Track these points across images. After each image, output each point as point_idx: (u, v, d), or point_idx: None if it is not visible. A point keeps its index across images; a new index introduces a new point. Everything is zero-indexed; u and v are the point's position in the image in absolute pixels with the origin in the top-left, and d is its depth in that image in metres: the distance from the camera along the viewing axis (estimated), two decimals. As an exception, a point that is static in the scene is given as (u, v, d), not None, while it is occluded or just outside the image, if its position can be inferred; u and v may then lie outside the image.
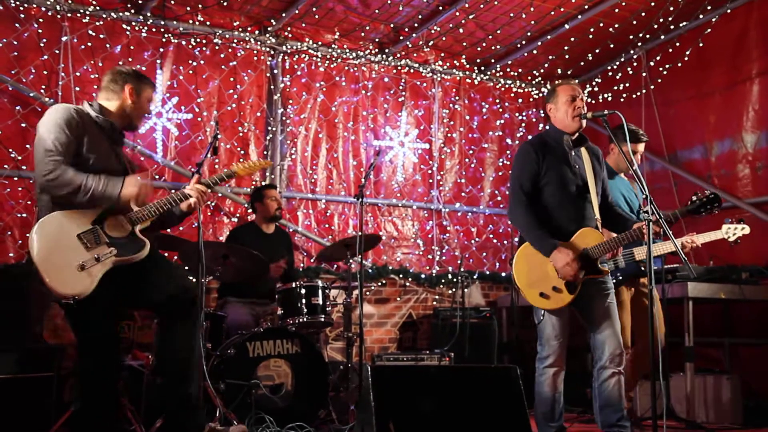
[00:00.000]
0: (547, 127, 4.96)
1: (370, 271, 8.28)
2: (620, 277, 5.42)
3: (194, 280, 7.02)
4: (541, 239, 4.58)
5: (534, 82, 9.60)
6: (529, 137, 8.26)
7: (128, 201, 4.09)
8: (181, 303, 4.34)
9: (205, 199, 4.51)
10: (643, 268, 5.44)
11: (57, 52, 7.05)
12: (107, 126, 4.27)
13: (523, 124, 9.57)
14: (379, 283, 8.43)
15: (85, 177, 3.97)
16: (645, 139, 5.78)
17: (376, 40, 8.64)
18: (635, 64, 8.64)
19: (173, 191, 4.42)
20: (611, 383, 4.58)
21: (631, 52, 8.61)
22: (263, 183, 7.75)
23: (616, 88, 8.79)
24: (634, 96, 8.57)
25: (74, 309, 3.97)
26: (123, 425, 5.42)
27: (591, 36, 8.26)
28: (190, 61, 7.72)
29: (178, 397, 4.36)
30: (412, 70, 8.95)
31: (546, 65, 9.17)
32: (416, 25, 8.29)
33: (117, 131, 4.35)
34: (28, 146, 6.71)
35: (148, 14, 7.43)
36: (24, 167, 6.76)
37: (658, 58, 8.33)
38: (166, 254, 7.26)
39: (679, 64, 8.05)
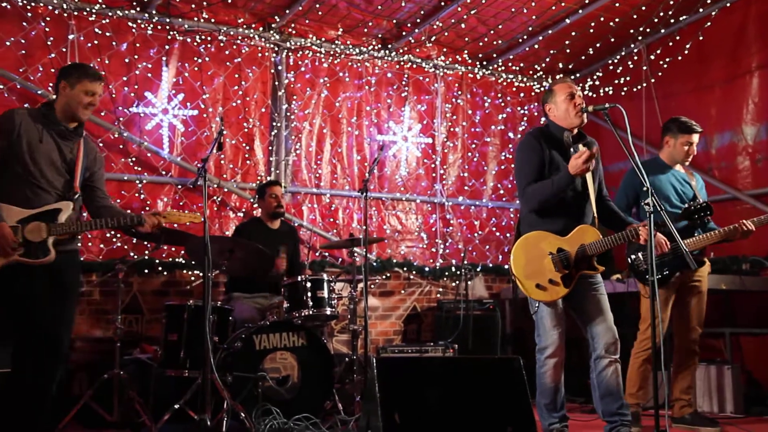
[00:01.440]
0: (545, 121, 5.01)
1: (374, 264, 8.34)
2: (666, 272, 5.46)
3: (201, 274, 7.10)
4: (557, 180, 4.61)
5: (536, 76, 9.64)
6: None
7: None
8: (39, 348, 4.35)
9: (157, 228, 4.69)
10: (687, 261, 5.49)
11: (64, 50, 7.11)
12: (53, 122, 4.47)
13: (525, 118, 9.62)
14: (384, 276, 8.50)
15: None
16: (699, 130, 5.78)
17: (379, 35, 8.69)
18: (636, 57, 8.68)
19: (123, 216, 4.61)
20: (609, 372, 4.62)
21: (632, 46, 8.66)
22: (269, 179, 7.82)
23: (617, 81, 8.84)
24: (634, 89, 8.61)
25: None
26: (132, 417, 5.52)
27: (592, 30, 8.31)
28: (196, 58, 7.78)
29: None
30: (414, 66, 9.01)
31: (547, 59, 9.22)
32: (418, 20, 8.34)
33: (67, 128, 4.52)
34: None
35: (154, 12, 7.50)
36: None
37: (658, 51, 8.37)
38: (173, 248, 7.38)
39: (680, 58, 8.10)
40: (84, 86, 4.50)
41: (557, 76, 9.52)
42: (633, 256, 5.58)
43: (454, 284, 8.86)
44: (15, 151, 4.32)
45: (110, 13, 7.31)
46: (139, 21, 7.47)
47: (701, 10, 7.84)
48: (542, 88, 9.66)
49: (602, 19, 8.09)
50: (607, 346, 4.63)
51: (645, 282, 5.56)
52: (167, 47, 7.65)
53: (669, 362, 5.77)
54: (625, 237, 4.67)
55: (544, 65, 9.39)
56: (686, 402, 5.72)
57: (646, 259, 5.49)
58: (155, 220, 4.62)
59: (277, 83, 8.21)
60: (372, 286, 8.38)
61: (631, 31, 8.34)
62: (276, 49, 8.24)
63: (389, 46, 8.75)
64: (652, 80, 8.43)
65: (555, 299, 4.67)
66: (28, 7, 7.02)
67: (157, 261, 7.32)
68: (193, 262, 7.35)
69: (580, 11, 7.94)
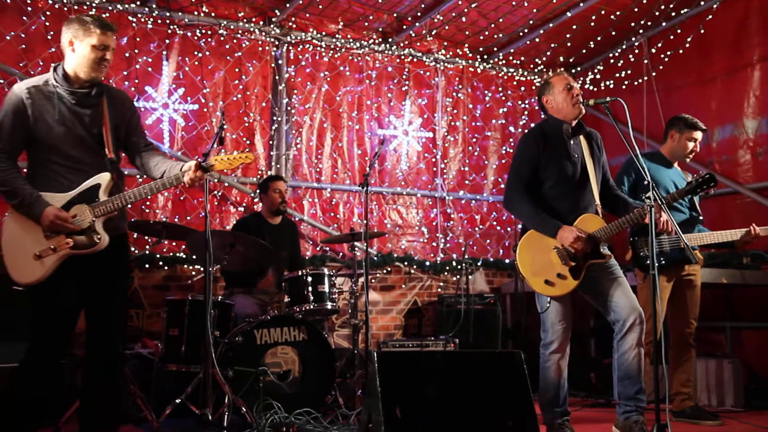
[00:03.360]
0: (543, 116, 5.02)
1: (375, 258, 8.35)
2: (663, 261, 5.49)
3: (202, 268, 7.10)
4: (545, 222, 4.65)
5: (536, 70, 9.64)
6: (532, 125, 8.35)
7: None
8: (101, 351, 4.10)
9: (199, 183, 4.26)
10: (687, 254, 5.58)
11: (64, 44, 7.11)
12: (67, 90, 4.02)
13: (526, 112, 9.61)
14: (385, 271, 8.50)
15: (17, 187, 3.91)
16: (704, 128, 5.90)
17: (380, 29, 8.68)
18: (637, 51, 8.67)
19: (164, 178, 4.15)
20: (631, 355, 4.59)
21: (633, 39, 8.64)
22: (269, 173, 7.82)
23: (617, 75, 8.83)
24: (635, 83, 8.61)
25: (32, 290, 3.94)
26: (133, 412, 5.52)
27: (593, 24, 8.29)
28: (196, 53, 7.78)
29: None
30: (415, 60, 9.00)
31: (548, 53, 9.21)
32: (419, 14, 8.33)
33: (85, 95, 4.06)
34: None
35: (154, 6, 7.48)
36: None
37: (659, 45, 8.36)
38: (174, 243, 7.38)
39: (681, 51, 8.09)
40: (94, 40, 3.95)
41: (558, 70, 9.50)
42: (636, 238, 5.59)
43: (454, 279, 8.87)
44: (34, 136, 3.94)
45: (110, 8, 7.30)
46: (139, 15, 7.46)
47: (702, 3, 7.83)
48: (543, 82, 9.63)
49: (603, 12, 8.08)
50: (632, 326, 4.58)
51: (644, 268, 5.59)
52: (167, 41, 7.64)
53: (667, 356, 5.79)
54: (631, 220, 4.67)
55: (544, 59, 9.38)
56: (687, 395, 5.72)
57: (648, 245, 5.51)
58: (196, 175, 4.11)
59: (277, 77, 8.21)
60: (373, 281, 8.39)
61: (632, 24, 8.33)
62: (276, 43, 8.23)
63: (390, 39, 8.74)
64: (653, 74, 8.42)
65: (565, 293, 4.67)
66: (28, 1, 7.02)
67: (157, 256, 7.32)
68: (194, 257, 7.35)
69: (581, 4, 7.93)
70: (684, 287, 5.72)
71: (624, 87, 8.70)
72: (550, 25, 8.41)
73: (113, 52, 4.10)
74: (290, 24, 8.25)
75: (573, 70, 9.42)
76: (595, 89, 9.08)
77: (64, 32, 4.00)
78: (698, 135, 5.85)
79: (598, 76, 9.17)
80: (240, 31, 7.99)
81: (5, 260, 3.90)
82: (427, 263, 8.74)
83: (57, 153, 3.99)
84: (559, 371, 4.72)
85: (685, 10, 7.98)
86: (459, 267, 8.74)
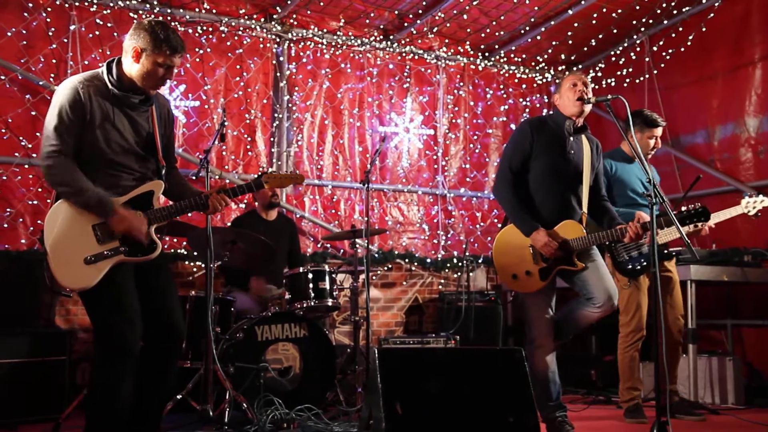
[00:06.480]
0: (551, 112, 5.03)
1: (376, 255, 8.35)
2: (644, 263, 5.48)
3: (203, 264, 7.11)
4: (524, 220, 4.69)
5: (538, 67, 9.62)
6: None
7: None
8: (164, 345, 3.98)
9: (223, 207, 4.08)
10: (666, 251, 5.58)
11: (65, 41, 7.10)
12: (122, 95, 3.82)
13: (527, 110, 9.60)
14: (386, 268, 8.50)
15: (83, 186, 3.68)
16: (662, 124, 5.85)
17: (381, 26, 8.67)
18: (638, 49, 8.66)
19: (196, 196, 4.03)
20: (585, 314, 4.70)
21: (634, 37, 8.63)
22: (269, 170, 7.82)
23: (619, 73, 8.81)
24: (637, 81, 8.59)
25: (87, 292, 3.71)
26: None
27: (594, 21, 8.28)
28: (197, 49, 7.77)
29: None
30: (416, 57, 8.99)
31: (550, 51, 9.20)
32: (420, 11, 8.33)
33: (141, 101, 3.91)
34: (38, 134, 6.76)
35: (155, 2, 7.48)
36: (34, 155, 6.79)
37: (661, 43, 8.35)
38: (175, 239, 7.38)
39: (682, 49, 8.07)
40: (158, 60, 3.77)
41: (559, 68, 9.53)
42: (613, 245, 5.60)
43: (455, 276, 8.87)
44: (87, 135, 3.73)
45: (111, 4, 7.29)
46: (140, 11, 7.45)
47: (704, 1, 7.82)
48: (544, 80, 9.66)
49: (605, 10, 8.07)
50: (602, 304, 4.62)
51: (624, 273, 5.58)
52: (169, 38, 7.62)
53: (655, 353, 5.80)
54: (611, 236, 4.67)
55: (546, 57, 9.37)
56: (674, 392, 5.74)
57: (626, 249, 5.52)
58: (217, 203, 4.01)
59: (278, 74, 8.20)
60: (374, 278, 8.39)
61: (634, 22, 8.33)
62: (278, 40, 8.23)
63: (391, 37, 8.74)
64: (655, 72, 8.42)
65: (527, 291, 4.77)
66: (30, -2, 7.03)
67: (159, 252, 7.30)
68: (195, 253, 7.35)
69: (583, 2, 7.92)
70: (664, 286, 5.68)
71: (625, 85, 8.69)
72: (552, 22, 8.40)
73: (176, 69, 3.94)
74: (291, 21, 8.25)
75: (574, 68, 9.42)
76: (597, 87, 9.07)
77: (132, 36, 3.79)
78: (658, 132, 5.83)
79: (599, 74, 9.16)
80: (241, 28, 7.99)
81: (52, 262, 3.66)
82: (428, 260, 8.74)
83: (108, 155, 3.79)
84: (544, 364, 4.74)
85: (687, 8, 7.97)
86: (460, 264, 8.75)
